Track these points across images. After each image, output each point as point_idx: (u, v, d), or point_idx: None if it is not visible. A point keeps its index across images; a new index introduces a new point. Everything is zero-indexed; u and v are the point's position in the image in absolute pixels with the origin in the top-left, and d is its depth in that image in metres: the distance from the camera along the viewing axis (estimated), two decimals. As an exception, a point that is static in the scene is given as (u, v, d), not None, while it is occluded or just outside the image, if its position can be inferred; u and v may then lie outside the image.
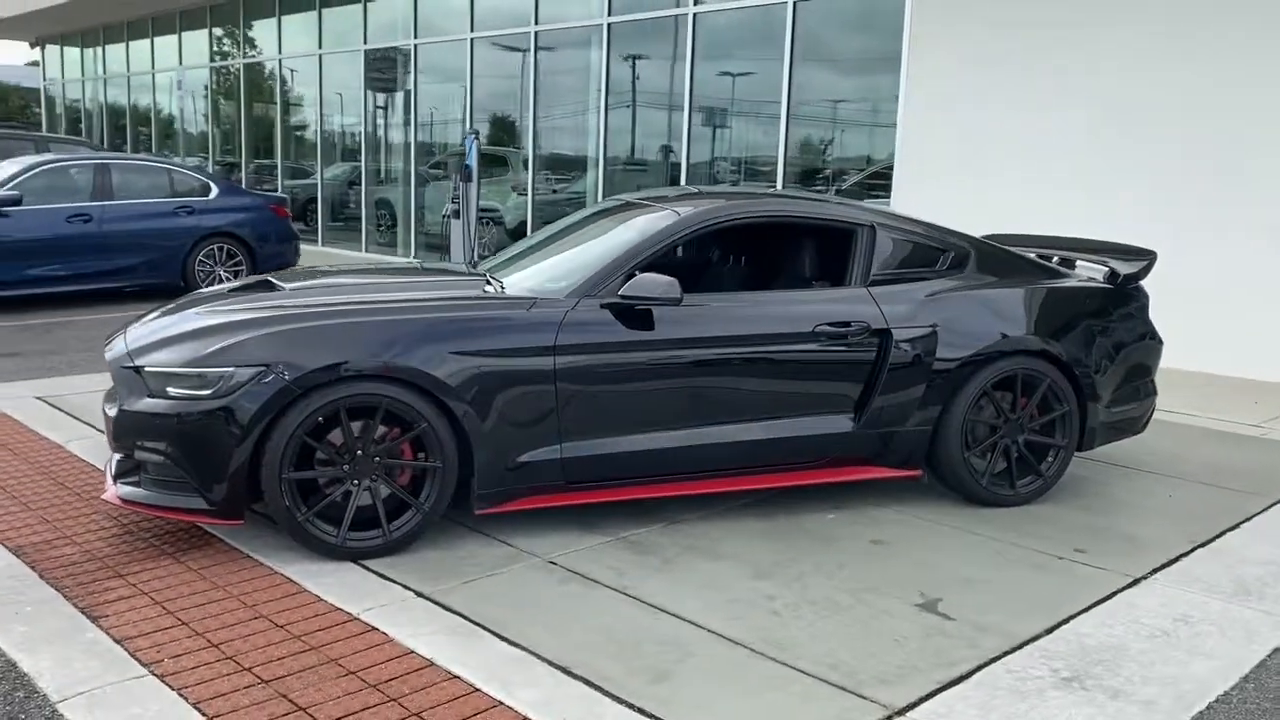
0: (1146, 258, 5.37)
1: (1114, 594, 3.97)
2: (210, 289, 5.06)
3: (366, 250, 16.72)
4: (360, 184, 17.10)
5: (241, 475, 3.93)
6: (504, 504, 4.28)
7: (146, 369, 4.04)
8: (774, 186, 11.44)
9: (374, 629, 3.52)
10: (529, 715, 2.99)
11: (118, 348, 4.29)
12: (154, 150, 22.97)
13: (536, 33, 13.75)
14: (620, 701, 3.08)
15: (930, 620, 3.70)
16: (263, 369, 3.89)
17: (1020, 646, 3.51)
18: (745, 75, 11.92)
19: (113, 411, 4.13)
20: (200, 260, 11.04)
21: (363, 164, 17.07)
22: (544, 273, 4.62)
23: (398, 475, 4.17)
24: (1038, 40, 9.10)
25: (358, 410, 4.03)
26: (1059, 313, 4.98)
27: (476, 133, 12.35)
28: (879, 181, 10.71)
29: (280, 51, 18.65)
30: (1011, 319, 4.86)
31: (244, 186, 15.26)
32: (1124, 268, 5.32)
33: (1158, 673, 3.35)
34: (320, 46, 17.63)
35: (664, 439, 4.43)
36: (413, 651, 3.36)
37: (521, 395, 4.18)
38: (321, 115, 17.98)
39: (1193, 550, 4.47)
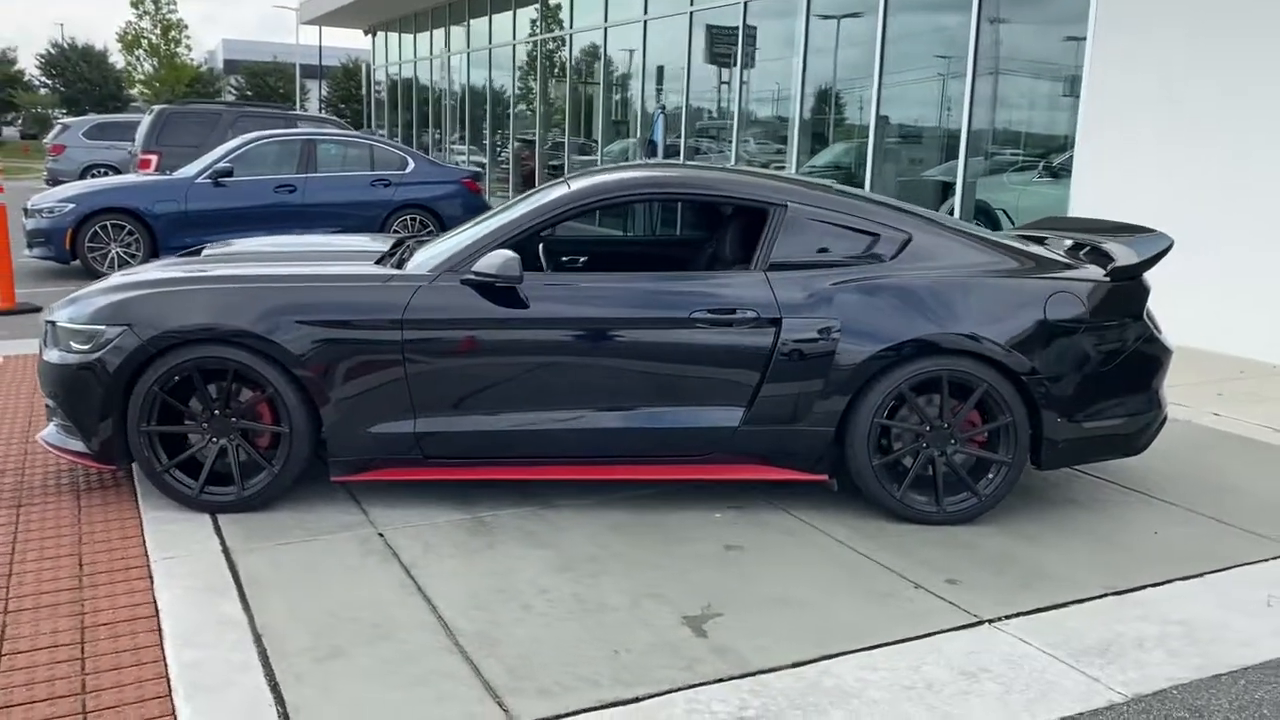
0: (1155, 247, 4.52)
1: (928, 635, 3.44)
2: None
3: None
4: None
5: (111, 425, 4.28)
6: (359, 473, 4.37)
7: (58, 323, 4.48)
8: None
9: (147, 577, 3.74)
10: (174, 674, 3.08)
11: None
12: (429, 131, 24.79)
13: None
14: (266, 672, 3.09)
15: (679, 635, 3.39)
16: (125, 328, 4.21)
17: (739, 677, 3.14)
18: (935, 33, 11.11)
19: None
20: (394, 230, 11.87)
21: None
22: (441, 248, 4.62)
23: (256, 437, 4.37)
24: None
25: (216, 373, 4.26)
26: (1004, 308, 4.32)
27: (664, 108, 12.37)
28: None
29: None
30: (936, 314, 4.28)
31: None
32: (1122, 257, 4.51)
33: (860, 728, 2.89)
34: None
35: (527, 421, 4.32)
36: (152, 603, 3.54)
37: (369, 367, 4.23)
38: (565, 85, 18.59)
39: (1098, 598, 3.76)
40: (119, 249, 10.83)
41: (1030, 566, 4.01)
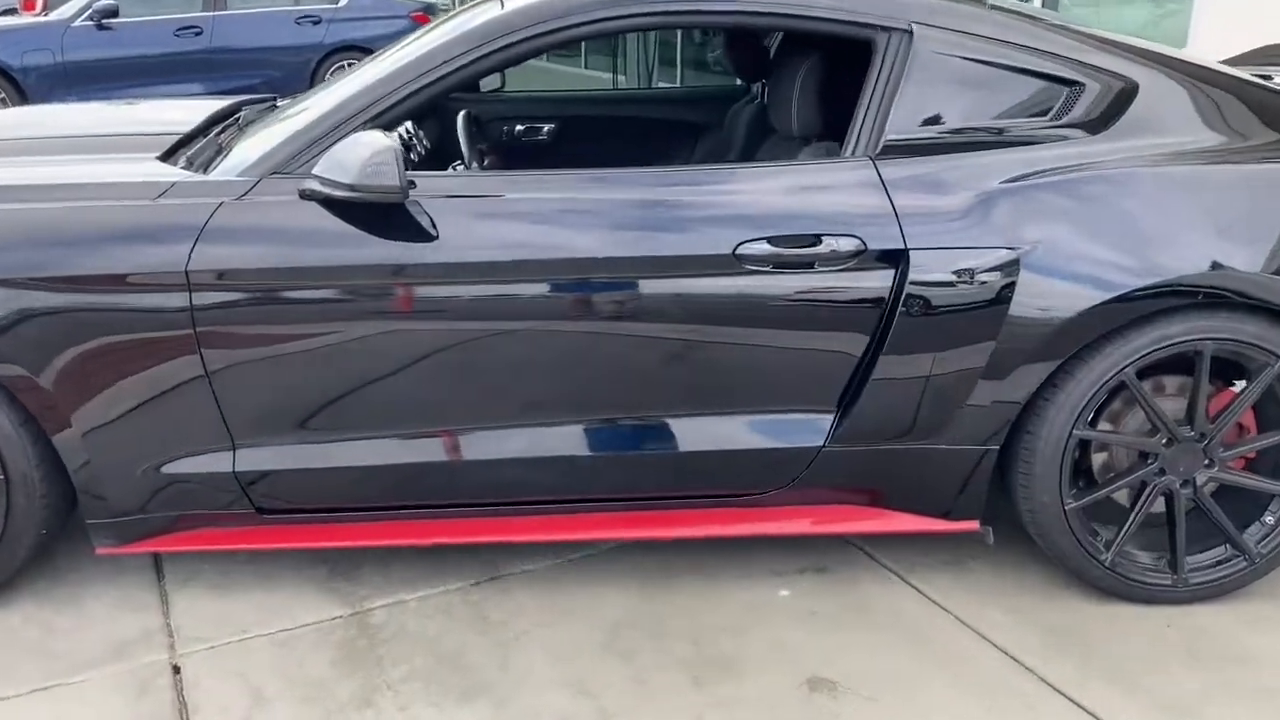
0: None
1: None
2: None
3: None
4: None
5: None
6: (142, 541, 2.44)
7: None
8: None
9: None
10: None
11: None
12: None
13: None
14: None
15: None
16: None
17: None
18: None
19: None
20: (328, 80, 9.62)
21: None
22: (273, 131, 2.54)
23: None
24: None
25: None
26: (1321, 223, 2.33)
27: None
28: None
29: None
30: (1199, 234, 2.29)
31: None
32: None
33: None
34: None
35: (439, 449, 2.38)
36: None
37: (135, 360, 2.26)
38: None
39: None
40: (-20, 113, 8.63)
41: (1381, 714, 2.14)
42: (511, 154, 3.55)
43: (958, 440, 2.38)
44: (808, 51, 2.62)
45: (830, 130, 2.59)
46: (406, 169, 2.66)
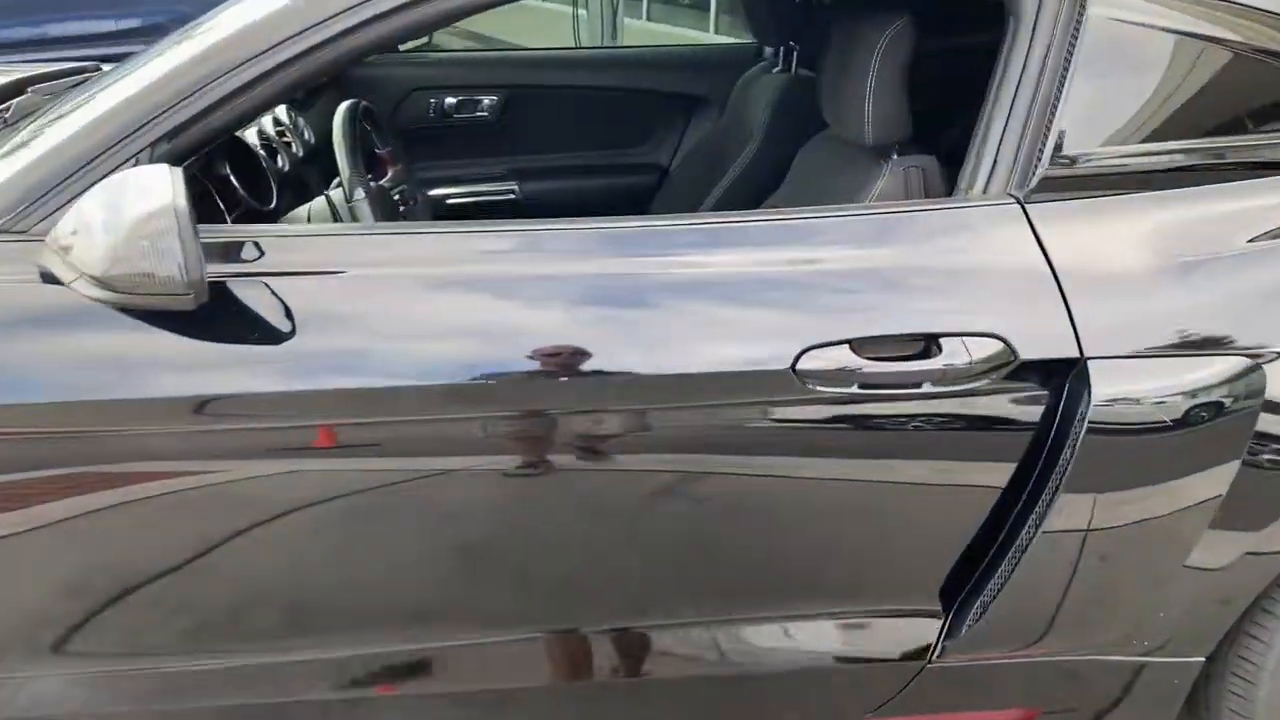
0: None
1: None
2: None
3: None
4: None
5: None
6: None
7: None
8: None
9: None
10: None
11: None
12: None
13: None
14: None
15: None
16: None
17: None
18: None
19: None
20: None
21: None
22: (22, 153, 1.51)
23: None
24: None
25: None
26: None
27: None
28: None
29: None
30: None
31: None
32: None
33: None
34: None
35: (299, 677, 1.46)
36: None
37: None
38: None
39: None
40: None
41: None
42: (437, 142, 2.59)
43: (1137, 648, 1.49)
44: (891, 8, 1.66)
45: (924, 137, 1.65)
46: (273, 186, 1.72)
